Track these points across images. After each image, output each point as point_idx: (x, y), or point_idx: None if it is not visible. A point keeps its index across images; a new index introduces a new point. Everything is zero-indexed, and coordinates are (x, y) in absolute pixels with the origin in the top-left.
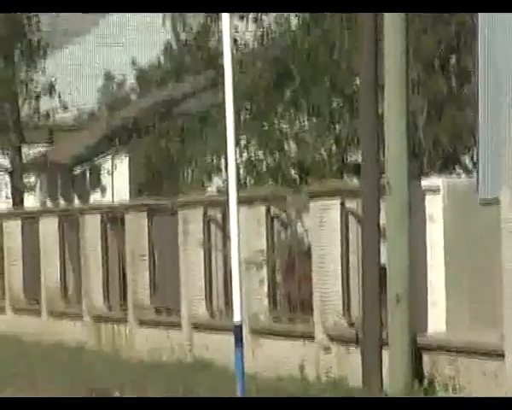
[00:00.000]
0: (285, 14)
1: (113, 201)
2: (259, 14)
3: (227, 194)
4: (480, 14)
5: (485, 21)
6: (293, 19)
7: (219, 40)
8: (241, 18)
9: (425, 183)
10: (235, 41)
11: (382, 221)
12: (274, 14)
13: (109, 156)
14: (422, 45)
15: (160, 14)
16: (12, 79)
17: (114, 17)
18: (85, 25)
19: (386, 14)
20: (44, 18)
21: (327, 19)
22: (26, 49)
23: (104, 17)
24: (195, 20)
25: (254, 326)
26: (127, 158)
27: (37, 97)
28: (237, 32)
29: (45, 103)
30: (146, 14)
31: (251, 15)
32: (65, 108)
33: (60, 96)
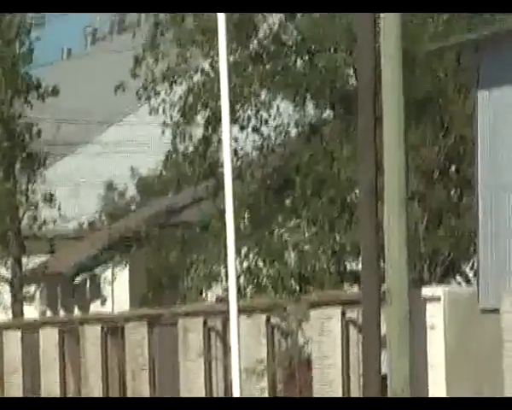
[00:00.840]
0: (285, 124)
1: (113, 311)
2: (259, 124)
3: (227, 303)
4: (479, 121)
5: (485, 130)
6: (293, 129)
7: (219, 150)
8: (241, 128)
9: (425, 291)
10: (235, 151)
11: (383, 330)
12: (274, 123)
13: (109, 266)
14: (422, 156)
15: (160, 125)
16: (13, 190)
17: (114, 128)
18: (86, 135)
19: (386, 121)
20: (45, 127)
21: (326, 130)
22: (27, 159)
23: (105, 128)
24: (195, 130)
25: None
26: (127, 268)
27: (38, 207)
28: (237, 142)
29: (45, 213)
30: (145, 125)
31: (251, 125)
32: (65, 218)
33: (60, 206)
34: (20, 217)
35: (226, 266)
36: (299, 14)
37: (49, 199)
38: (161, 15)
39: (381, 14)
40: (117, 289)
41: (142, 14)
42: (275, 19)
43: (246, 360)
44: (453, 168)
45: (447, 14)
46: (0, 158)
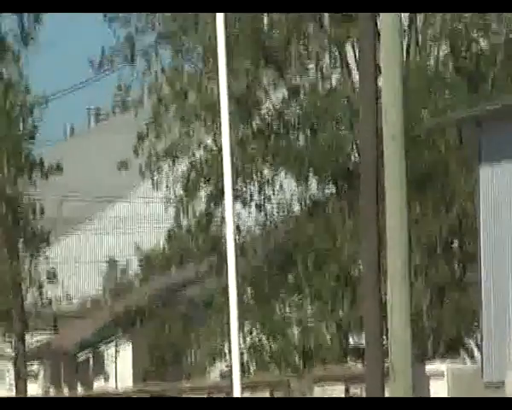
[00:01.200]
0: (288, 200)
1: (116, 387)
2: (262, 199)
3: (230, 379)
4: (481, 196)
5: (488, 205)
6: (296, 205)
7: (222, 225)
8: (244, 204)
9: (429, 367)
10: (238, 227)
11: None
12: (277, 199)
13: (113, 343)
14: (425, 230)
15: (163, 201)
16: (16, 268)
17: (117, 205)
18: (89, 212)
19: (388, 196)
20: (48, 204)
21: (328, 206)
22: (30, 237)
23: (108, 205)
24: (198, 205)
25: None
26: (131, 344)
27: (41, 285)
28: (240, 217)
29: (49, 291)
30: (148, 201)
31: (254, 201)
32: (68, 295)
33: (63, 284)
34: (23, 294)
35: (229, 342)
36: (302, 92)
37: (52, 276)
38: (164, 91)
39: (383, 93)
40: (120, 366)
41: (145, 92)
42: (278, 95)
43: None
44: (456, 243)
45: (448, 90)
46: (3, 236)
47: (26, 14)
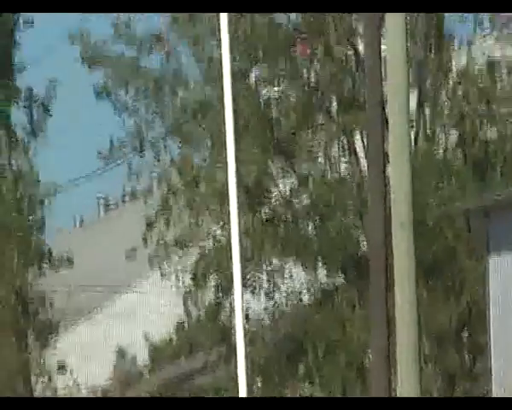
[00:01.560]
0: (297, 288)
1: None
2: (271, 288)
3: None
4: (491, 286)
5: (497, 295)
6: (305, 293)
7: (231, 315)
8: (253, 293)
9: None
10: (247, 316)
11: None
12: (286, 288)
13: None
14: (434, 319)
15: (172, 291)
16: (25, 359)
17: (126, 295)
18: (98, 302)
19: (397, 285)
20: (57, 294)
21: (338, 295)
22: (39, 328)
23: (116, 295)
24: (207, 295)
25: None
26: None
27: (50, 376)
28: (249, 307)
29: (58, 381)
30: (158, 291)
31: (263, 290)
32: (77, 385)
33: (72, 374)
34: (32, 386)
35: None
36: (310, 181)
37: (62, 367)
38: (174, 180)
39: (391, 181)
40: None
41: (155, 182)
42: (287, 183)
43: None
44: (465, 332)
45: (456, 178)
46: (12, 327)
47: (35, 107)
